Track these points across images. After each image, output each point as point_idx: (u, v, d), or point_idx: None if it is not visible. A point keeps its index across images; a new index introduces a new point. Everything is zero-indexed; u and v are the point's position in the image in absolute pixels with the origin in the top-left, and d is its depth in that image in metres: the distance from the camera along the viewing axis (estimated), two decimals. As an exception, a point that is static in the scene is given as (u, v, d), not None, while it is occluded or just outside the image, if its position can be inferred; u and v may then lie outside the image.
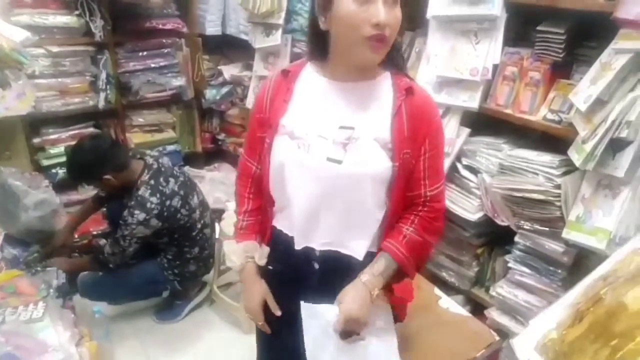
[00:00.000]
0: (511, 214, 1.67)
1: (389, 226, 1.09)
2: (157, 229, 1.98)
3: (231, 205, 2.89)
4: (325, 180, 1.03)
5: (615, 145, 1.32)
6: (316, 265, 1.11)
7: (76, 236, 2.47)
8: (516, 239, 1.69)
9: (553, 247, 1.57)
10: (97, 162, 1.93)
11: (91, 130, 2.72)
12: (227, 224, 2.37)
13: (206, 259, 2.28)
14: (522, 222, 1.64)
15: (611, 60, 1.35)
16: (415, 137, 1.03)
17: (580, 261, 1.55)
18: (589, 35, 1.55)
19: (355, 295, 1.05)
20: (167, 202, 1.97)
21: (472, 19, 1.67)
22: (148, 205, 1.92)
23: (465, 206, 1.81)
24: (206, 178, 3.15)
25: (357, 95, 1.05)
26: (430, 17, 1.77)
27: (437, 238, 1.14)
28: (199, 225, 2.15)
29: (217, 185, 3.12)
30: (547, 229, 1.58)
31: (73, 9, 2.51)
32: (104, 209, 2.33)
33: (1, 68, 1.47)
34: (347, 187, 1.03)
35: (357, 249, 1.09)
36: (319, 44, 1.05)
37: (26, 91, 2.09)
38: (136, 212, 1.92)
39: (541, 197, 1.54)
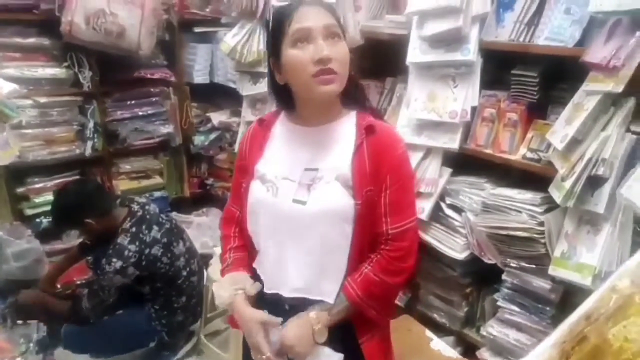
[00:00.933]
0: (497, 252, 1.68)
1: (357, 266, 1.08)
2: (137, 278, 1.95)
3: (218, 250, 2.86)
4: (291, 222, 1.05)
5: (593, 182, 1.36)
6: (287, 307, 1.11)
7: (59, 286, 2.41)
8: (504, 277, 1.68)
9: (540, 284, 1.57)
10: (80, 205, 1.94)
11: (77, 178, 2.72)
12: (215, 270, 2.34)
13: (194, 307, 2.23)
14: (509, 259, 1.65)
15: (583, 101, 1.40)
16: (377, 173, 1.04)
17: (568, 298, 1.55)
18: (561, 78, 1.62)
19: (296, 323, 1.06)
20: (147, 251, 1.95)
21: (449, 64, 1.73)
22: (125, 253, 1.90)
23: (451, 245, 1.82)
24: (194, 223, 3.13)
25: (322, 137, 1.09)
26: (409, 63, 1.83)
27: (399, 279, 1.08)
28: (184, 273, 2.11)
29: (204, 230, 3.10)
30: (533, 266, 1.59)
31: (62, 61, 2.57)
32: (89, 258, 2.29)
33: (-14, 120, 1.48)
34: (313, 227, 1.04)
35: (327, 292, 1.08)
36: (283, 96, 1.12)
37: (10, 142, 2.09)
38: (113, 260, 1.89)
39: (525, 234, 1.55)
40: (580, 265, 1.40)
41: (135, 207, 2.05)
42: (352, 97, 1.10)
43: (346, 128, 1.09)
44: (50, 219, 2.09)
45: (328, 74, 0.98)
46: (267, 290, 1.12)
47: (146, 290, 2.05)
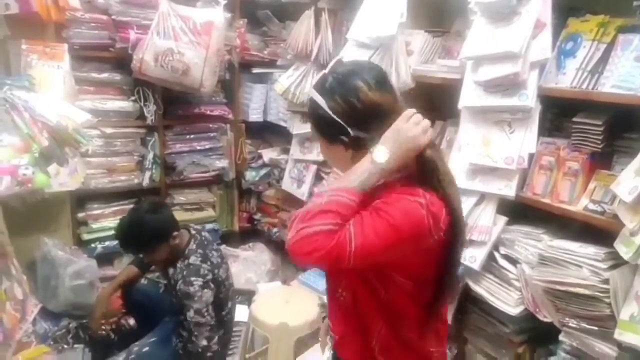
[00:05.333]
0: (554, 309, 1.56)
1: None
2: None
3: (261, 287, 2.86)
4: None
5: (667, 240, 1.25)
6: None
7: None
8: (561, 337, 1.57)
9: (604, 349, 1.44)
10: (167, 221, 1.96)
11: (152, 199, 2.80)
12: (257, 307, 2.33)
13: (226, 343, 2.18)
14: (567, 318, 1.53)
15: (656, 151, 1.32)
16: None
17: (637, 367, 1.40)
18: (628, 127, 1.54)
19: None
20: (216, 271, 1.97)
21: (505, 109, 1.69)
22: (202, 271, 1.91)
23: (504, 299, 1.71)
24: (240, 257, 3.15)
25: None
26: (462, 107, 1.81)
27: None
28: (229, 304, 2.11)
29: (249, 265, 3.11)
30: (595, 327, 1.46)
31: (130, 95, 2.73)
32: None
33: (62, 146, 1.58)
34: None
35: None
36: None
37: (78, 168, 2.23)
38: (192, 279, 1.89)
39: (587, 292, 1.44)
40: (652, 331, 1.27)
41: (192, 231, 2.07)
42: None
43: None
44: (132, 245, 2.02)
45: None
46: None
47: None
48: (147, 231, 1.93)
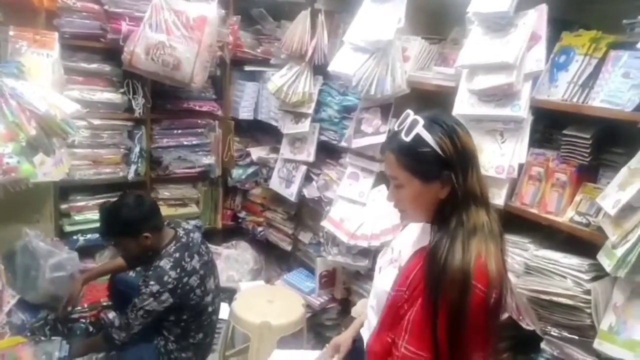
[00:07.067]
0: (537, 317, 1.59)
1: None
2: (167, 306, 1.91)
3: (243, 285, 2.84)
4: None
5: (649, 253, 1.28)
6: None
7: (85, 305, 2.43)
8: (542, 345, 1.58)
9: (583, 359, 1.47)
10: (141, 218, 1.91)
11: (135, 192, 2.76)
12: (239, 305, 2.31)
13: (206, 347, 2.16)
14: (549, 327, 1.55)
15: (640, 167, 1.35)
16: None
17: (615, 377, 1.43)
18: (615, 141, 1.57)
19: None
20: (185, 279, 1.92)
21: (498, 119, 1.72)
22: (165, 278, 1.87)
23: (488, 306, 1.73)
24: (222, 255, 3.13)
25: None
26: (456, 115, 1.82)
27: None
28: (209, 309, 2.07)
29: (231, 264, 3.09)
30: (576, 337, 1.49)
31: (119, 87, 2.69)
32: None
33: (49, 136, 1.55)
34: None
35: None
36: None
37: (63, 159, 2.19)
38: (151, 282, 1.86)
39: (570, 302, 1.47)
40: (632, 342, 1.30)
41: (180, 232, 2.03)
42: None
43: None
44: (104, 229, 2.02)
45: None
46: None
47: (170, 319, 1.98)
48: (118, 221, 1.91)
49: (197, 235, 2.08)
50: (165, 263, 1.90)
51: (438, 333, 1.02)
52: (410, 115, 1.12)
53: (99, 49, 2.61)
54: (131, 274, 2.38)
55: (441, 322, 1.02)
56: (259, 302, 2.38)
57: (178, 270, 1.90)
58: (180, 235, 2.01)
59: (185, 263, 1.93)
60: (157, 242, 1.96)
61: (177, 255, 1.93)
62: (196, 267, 1.97)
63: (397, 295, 1.13)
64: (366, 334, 1.32)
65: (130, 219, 1.91)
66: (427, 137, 1.08)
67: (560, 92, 1.61)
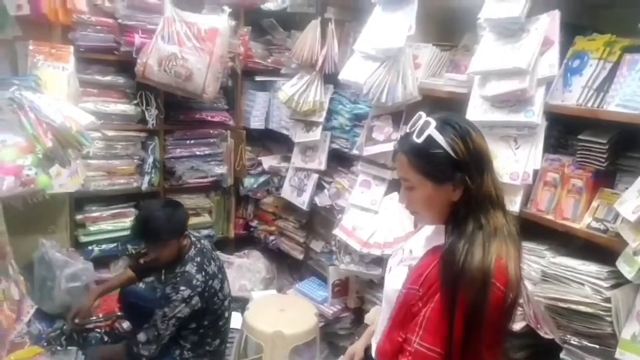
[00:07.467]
0: (556, 326, 1.56)
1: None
2: (194, 311, 1.92)
3: (255, 294, 2.84)
4: None
5: (671, 260, 1.26)
6: None
7: (100, 315, 2.44)
8: (562, 355, 1.55)
9: (605, 368, 1.44)
10: (182, 222, 1.98)
11: (132, 210, 2.80)
12: (252, 314, 2.31)
13: (220, 355, 2.17)
14: (569, 336, 1.52)
15: (660, 171, 1.33)
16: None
17: (638, 387, 1.40)
18: (631, 146, 1.55)
19: None
20: (210, 282, 1.95)
21: (511, 125, 1.70)
22: (194, 282, 1.89)
23: (505, 314, 1.71)
24: (235, 264, 3.14)
25: None
26: (468, 121, 1.82)
27: None
28: (226, 315, 2.09)
29: (244, 273, 3.09)
30: (597, 346, 1.46)
31: (132, 99, 2.73)
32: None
33: (65, 147, 1.58)
34: None
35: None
36: None
37: (78, 170, 2.22)
38: (182, 288, 1.87)
39: (589, 310, 1.44)
40: (656, 351, 1.27)
41: (193, 238, 2.07)
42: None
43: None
44: (139, 230, 2.02)
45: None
46: None
47: (190, 326, 1.99)
48: (166, 222, 1.93)
49: (206, 242, 2.14)
50: (190, 267, 1.93)
51: (454, 330, 1.02)
52: (422, 116, 1.11)
53: (112, 62, 2.65)
54: (141, 285, 2.40)
55: (458, 319, 1.02)
56: (272, 311, 2.37)
57: (203, 274, 1.93)
58: (194, 240, 2.05)
59: (207, 266, 1.97)
60: (180, 249, 1.99)
61: (199, 259, 1.97)
62: (215, 271, 2.01)
63: (410, 293, 1.11)
64: (375, 340, 1.31)
65: (177, 219, 1.97)
66: (440, 138, 1.06)
67: (574, 96, 1.59)
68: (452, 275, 1.03)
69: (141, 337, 1.90)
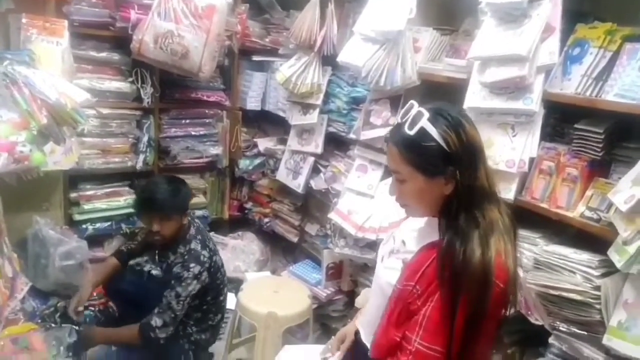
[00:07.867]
0: (546, 312, 1.58)
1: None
2: (202, 287, 1.94)
3: (249, 276, 2.85)
4: None
5: (662, 250, 1.27)
6: None
7: (94, 294, 2.44)
8: (550, 340, 1.58)
9: (592, 354, 1.46)
10: (184, 200, 1.99)
11: (126, 189, 2.78)
12: (245, 295, 2.33)
13: (219, 328, 2.24)
14: (558, 322, 1.55)
15: (655, 162, 1.33)
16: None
17: (624, 373, 1.43)
18: (628, 136, 1.55)
19: None
20: (214, 258, 1.99)
21: (509, 112, 1.70)
22: (201, 258, 1.92)
23: (496, 300, 1.73)
24: (229, 245, 3.15)
25: None
26: (467, 107, 1.81)
27: None
28: (225, 290, 2.15)
29: (238, 254, 3.10)
30: (585, 332, 1.48)
31: (127, 76, 2.69)
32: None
33: (60, 125, 1.55)
34: None
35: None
36: None
37: (73, 148, 2.20)
38: (191, 265, 1.89)
39: (579, 297, 1.46)
40: (642, 338, 1.29)
41: (190, 218, 2.09)
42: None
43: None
44: (143, 201, 2.01)
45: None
46: None
47: (194, 303, 2.00)
48: (172, 197, 1.94)
49: (199, 222, 2.18)
50: (195, 245, 1.96)
51: (455, 328, 1.02)
52: (415, 106, 1.09)
53: (108, 38, 2.60)
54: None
55: (459, 318, 1.01)
56: (266, 292, 2.39)
57: (207, 250, 1.97)
58: (191, 219, 2.08)
59: (208, 243, 2.01)
60: (182, 225, 2.01)
61: (200, 237, 2.00)
62: (214, 248, 2.05)
63: (405, 290, 1.10)
64: (365, 325, 1.32)
65: (184, 195, 1.98)
66: (432, 130, 1.05)
67: (573, 85, 1.59)
68: (452, 275, 1.02)
69: (157, 321, 1.89)
